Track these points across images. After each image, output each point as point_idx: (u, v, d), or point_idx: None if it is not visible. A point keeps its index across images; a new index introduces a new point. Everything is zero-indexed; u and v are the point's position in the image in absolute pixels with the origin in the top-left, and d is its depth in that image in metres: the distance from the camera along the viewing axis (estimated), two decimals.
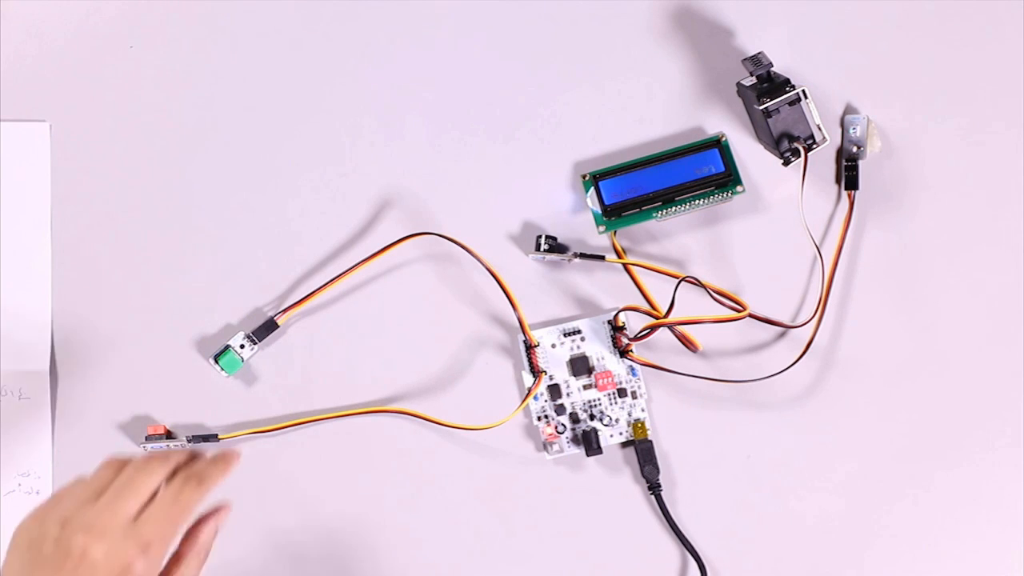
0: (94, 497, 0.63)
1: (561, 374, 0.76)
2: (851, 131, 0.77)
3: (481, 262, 0.75)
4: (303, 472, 0.76)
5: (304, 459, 0.76)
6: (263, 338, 0.75)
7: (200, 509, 0.65)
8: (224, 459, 0.67)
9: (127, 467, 0.64)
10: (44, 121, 0.78)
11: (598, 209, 0.76)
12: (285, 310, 0.75)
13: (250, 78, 0.79)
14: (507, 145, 0.78)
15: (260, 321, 0.75)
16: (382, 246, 0.76)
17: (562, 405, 0.76)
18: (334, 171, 0.78)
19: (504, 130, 0.78)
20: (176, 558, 0.66)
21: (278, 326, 0.75)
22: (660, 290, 0.76)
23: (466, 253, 0.75)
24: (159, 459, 0.65)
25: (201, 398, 0.75)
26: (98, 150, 0.78)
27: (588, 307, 0.77)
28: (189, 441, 0.75)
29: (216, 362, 0.74)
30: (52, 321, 0.76)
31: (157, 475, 0.64)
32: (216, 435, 0.75)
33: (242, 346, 0.74)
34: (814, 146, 0.75)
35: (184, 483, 0.64)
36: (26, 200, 0.77)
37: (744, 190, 0.76)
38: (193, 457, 0.66)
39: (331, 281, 0.75)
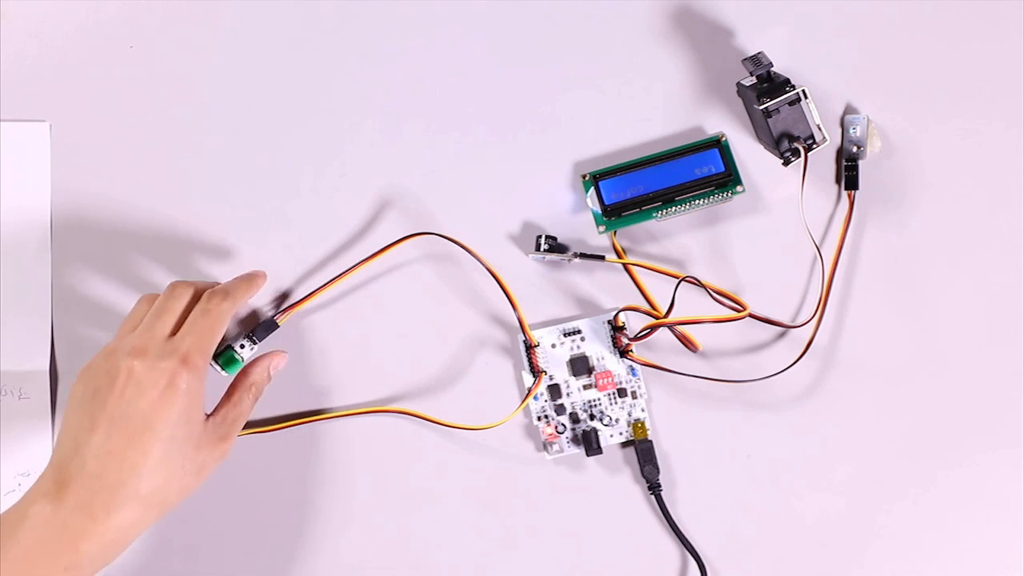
0: (132, 328, 0.69)
1: (561, 374, 0.76)
2: (851, 131, 0.77)
3: (481, 262, 0.75)
4: (303, 472, 0.76)
5: (304, 459, 0.76)
6: (263, 338, 0.75)
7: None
8: (249, 277, 0.74)
9: (159, 297, 0.70)
10: (44, 121, 0.78)
11: (598, 209, 0.76)
12: (285, 310, 0.75)
13: (250, 78, 0.78)
14: (507, 145, 0.78)
15: (260, 321, 0.75)
16: (382, 246, 0.76)
17: (562, 405, 0.76)
18: (334, 171, 0.78)
19: (504, 130, 0.78)
20: (228, 392, 0.72)
21: (278, 326, 0.75)
22: (660, 290, 0.76)
23: (466, 253, 0.75)
24: (184, 284, 0.71)
25: None
26: (98, 150, 0.78)
27: (588, 307, 0.77)
28: None
29: (216, 362, 0.74)
30: (52, 321, 0.76)
31: (184, 297, 0.70)
32: None
33: (242, 346, 0.74)
34: (814, 146, 0.75)
35: (210, 297, 0.70)
36: (26, 200, 0.77)
37: (744, 190, 0.76)
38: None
39: (331, 281, 0.75)
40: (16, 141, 0.77)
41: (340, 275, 0.75)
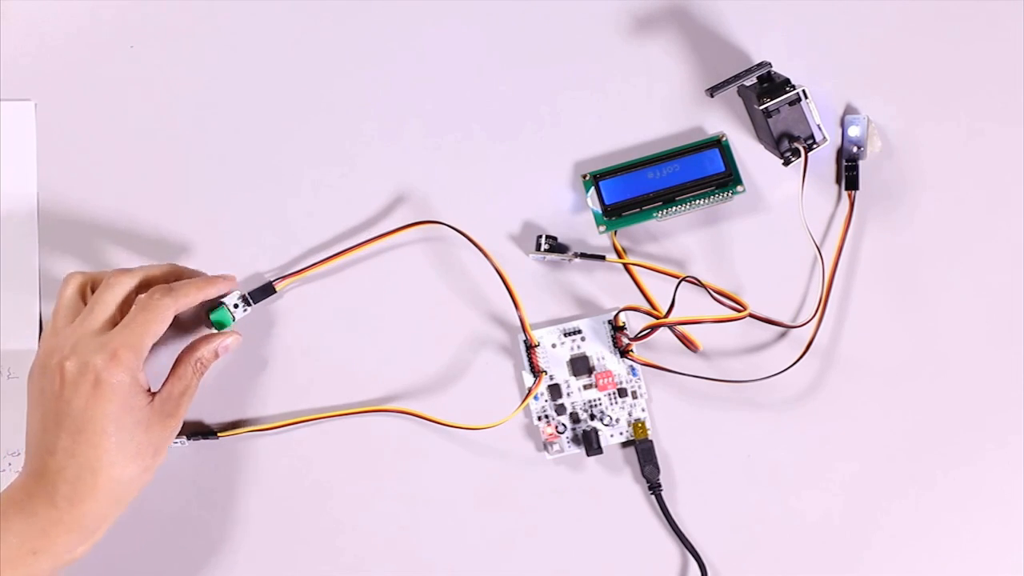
0: (68, 319, 0.69)
1: (561, 374, 0.76)
2: (851, 131, 0.77)
3: (484, 253, 0.74)
4: (302, 471, 0.76)
5: (304, 458, 0.76)
6: (259, 300, 0.74)
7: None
8: (205, 280, 0.72)
9: (98, 288, 0.70)
10: (29, 100, 0.78)
11: (598, 209, 0.76)
12: (284, 277, 0.74)
13: (249, 78, 0.78)
14: (507, 145, 0.78)
15: (260, 284, 0.75)
16: (389, 235, 0.75)
17: (562, 405, 0.76)
18: (334, 172, 0.78)
19: (504, 130, 0.78)
20: (174, 366, 0.72)
21: (275, 291, 0.74)
22: (660, 290, 0.76)
23: (466, 254, 0.75)
24: (125, 273, 0.70)
25: (200, 395, 0.74)
26: (96, 143, 0.78)
27: (588, 307, 0.77)
28: (189, 438, 0.75)
29: (207, 317, 0.73)
30: (40, 299, 0.76)
31: (121, 288, 0.69)
32: (215, 432, 0.75)
33: (236, 306, 0.73)
34: (814, 146, 0.75)
35: (153, 292, 0.69)
36: (13, 179, 0.77)
37: (744, 190, 0.76)
38: (173, 275, 0.72)
39: (334, 255, 0.75)
40: (2, 120, 0.77)
41: (344, 251, 0.75)
